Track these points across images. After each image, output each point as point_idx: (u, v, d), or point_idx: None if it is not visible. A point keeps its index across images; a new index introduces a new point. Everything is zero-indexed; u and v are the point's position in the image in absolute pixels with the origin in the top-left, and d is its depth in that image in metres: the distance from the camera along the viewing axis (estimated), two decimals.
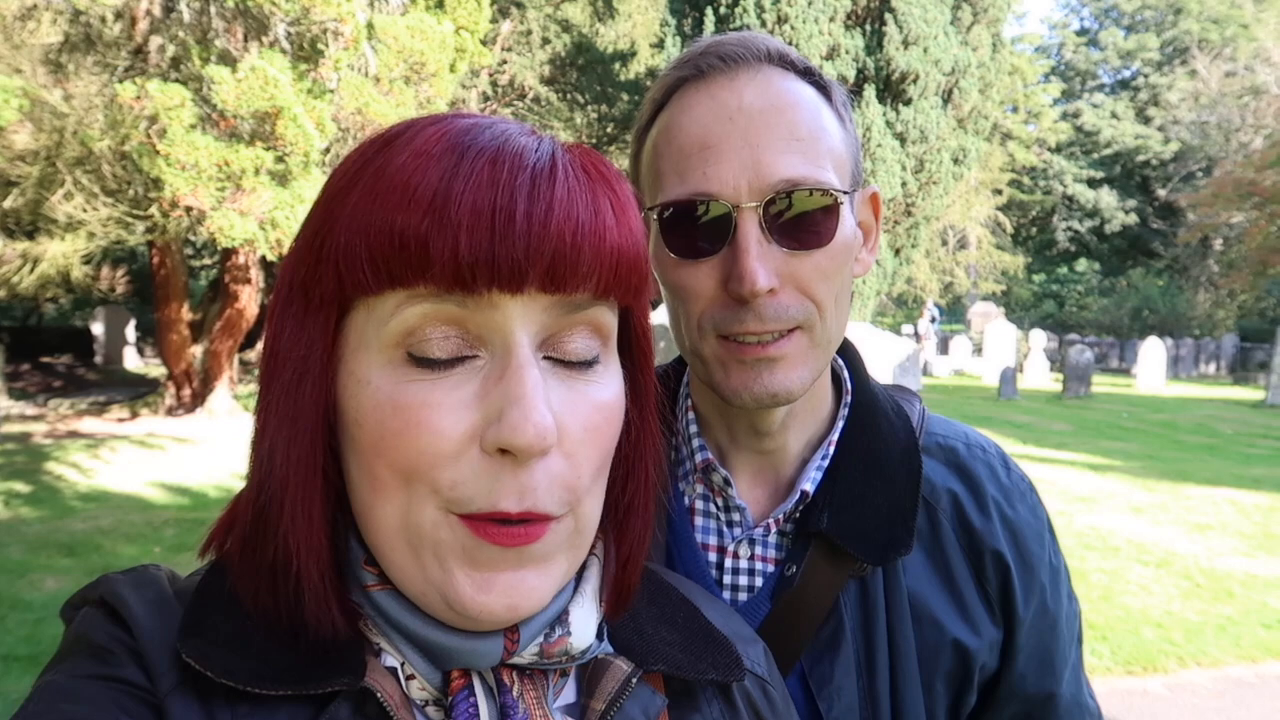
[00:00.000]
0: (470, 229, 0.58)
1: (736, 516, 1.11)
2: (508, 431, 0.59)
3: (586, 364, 0.66)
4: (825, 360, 1.05)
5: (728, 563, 1.10)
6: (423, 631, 0.66)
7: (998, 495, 1.13)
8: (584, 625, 0.71)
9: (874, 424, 1.13)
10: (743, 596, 1.09)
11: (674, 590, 0.88)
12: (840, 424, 1.13)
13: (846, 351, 1.19)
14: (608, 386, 0.67)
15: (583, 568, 0.73)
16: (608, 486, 0.72)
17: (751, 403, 1.01)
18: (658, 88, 1.07)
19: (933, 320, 29.12)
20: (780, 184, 0.96)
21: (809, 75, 1.04)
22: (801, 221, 0.97)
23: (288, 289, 0.67)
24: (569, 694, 0.74)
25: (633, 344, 0.74)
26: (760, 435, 1.11)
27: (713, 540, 1.12)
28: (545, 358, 0.64)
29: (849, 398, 1.15)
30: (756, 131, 0.97)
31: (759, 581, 1.09)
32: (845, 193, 1.01)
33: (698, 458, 1.13)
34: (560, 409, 0.62)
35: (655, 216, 1.01)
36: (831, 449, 1.11)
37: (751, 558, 1.10)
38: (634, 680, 0.73)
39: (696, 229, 0.98)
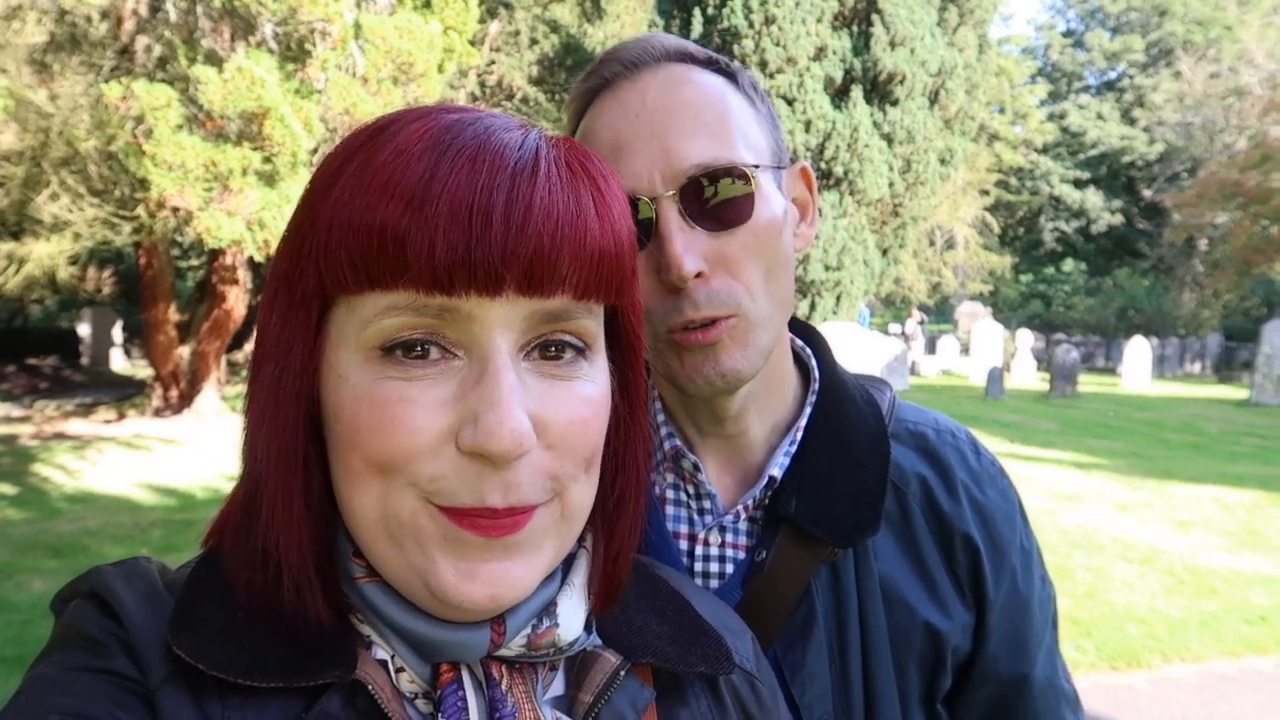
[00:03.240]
0: (447, 231, 0.58)
1: (707, 504, 1.12)
2: (483, 436, 0.59)
3: (571, 361, 0.66)
4: (769, 337, 1.05)
5: (698, 550, 1.11)
6: (409, 624, 0.66)
7: (967, 479, 1.15)
8: (572, 617, 0.71)
9: (842, 410, 1.14)
10: (714, 584, 1.09)
11: (664, 582, 0.88)
12: (808, 410, 1.14)
13: (812, 338, 1.21)
14: (594, 383, 0.67)
15: (571, 559, 0.74)
16: (599, 483, 0.72)
17: (705, 387, 1.02)
18: (571, 101, 1.10)
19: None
20: (692, 169, 0.97)
21: (712, 64, 1.06)
22: (720, 202, 0.99)
23: (274, 282, 0.67)
24: (557, 687, 0.74)
25: (622, 341, 0.73)
26: (721, 420, 1.11)
27: (683, 528, 1.12)
28: (527, 356, 0.64)
29: (816, 384, 1.16)
30: (662, 123, 0.99)
31: (730, 569, 1.10)
32: (757, 167, 1.02)
33: (666, 445, 1.13)
34: (541, 406, 0.62)
35: None
36: (799, 435, 1.12)
37: (722, 545, 1.11)
38: (622, 673, 0.73)
39: None
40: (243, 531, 0.67)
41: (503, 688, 0.67)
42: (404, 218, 0.58)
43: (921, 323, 30.14)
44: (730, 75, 1.07)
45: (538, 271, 0.60)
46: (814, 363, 1.19)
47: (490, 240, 0.58)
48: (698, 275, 0.97)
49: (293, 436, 0.65)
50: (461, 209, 0.58)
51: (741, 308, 1.00)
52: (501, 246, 0.59)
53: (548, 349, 0.65)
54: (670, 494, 1.14)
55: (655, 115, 0.99)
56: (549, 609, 0.70)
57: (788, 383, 1.16)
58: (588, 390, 0.66)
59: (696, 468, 1.11)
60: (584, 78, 1.07)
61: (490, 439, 0.59)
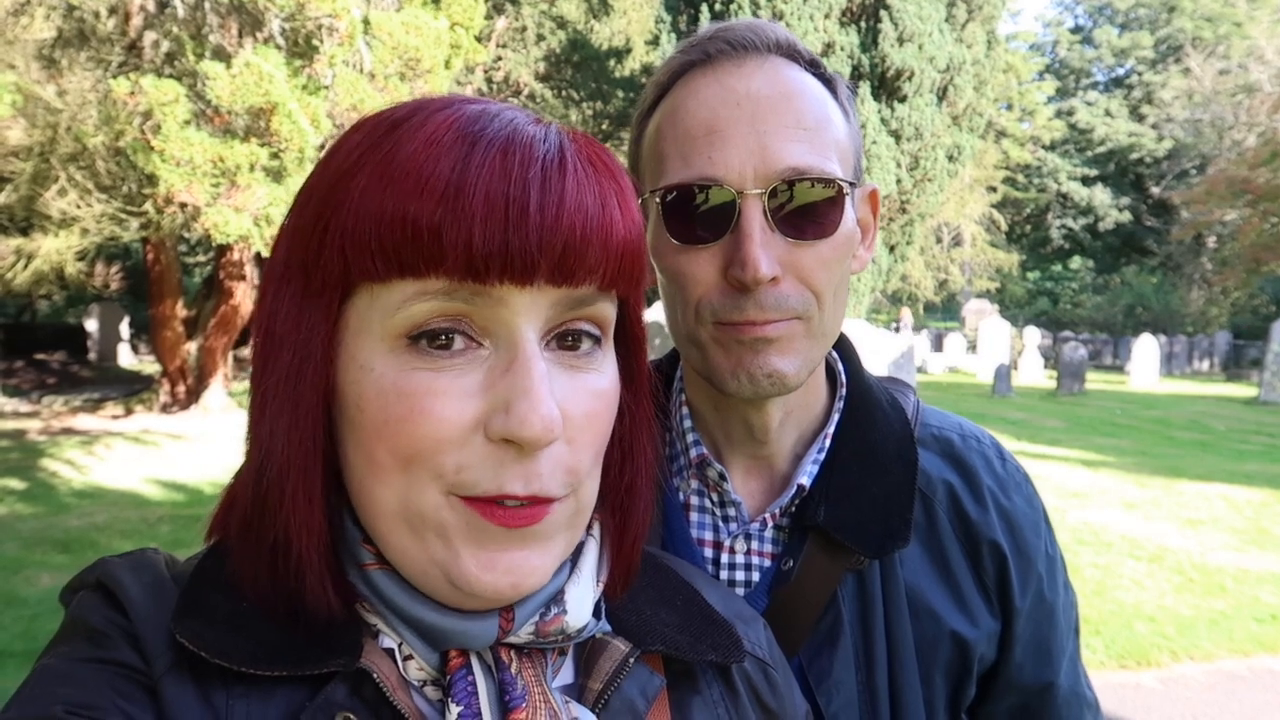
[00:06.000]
0: (484, 220, 0.58)
1: (732, 511, 1.10)
2: (515, 424, 0.59)
3: (586, 352, 0.66)
4: (820, 353, 1.04)
5: (724, 558, 1.10)
6: (418, 612, 0.66)
7: (993, 486, 1.13)
8: (580, 604, 0.71)
9: (869, 417, 1.13)
10: (740, 592, 1.07)
11: (674, 573, 0.88)
12: (836, 417, 1.12)
13: (841, 344, 1.18)
14: (605, 374, 0.68)
15: (579, 548, 0.74)
16: (608, 471, 0.73)
17: (748, 384, 1.00)
18: (663, 71, 1.06)
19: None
20: (786, 172, 0.95)
21: (814, 67, 1.04)
22: (806, 211, 0.97)
23: (283, 269, 0.66)
24: (567, 674, 0.74)
25: (627, 331, 0.74)
26: (756, 440, 1.10)
27: (708, 535, 1.11)
28: (546, 345, 0.64)
29: (843, 390, 1.15)
30: (764, 118, 0.96)
31: (756, 576, 1.09)
32: (850, 184, 1.00)
33: (692, 453, 1.12)
34: (562, 398, 0.63)
35: (657, 200, 1.00)
36: (827, 443, 1.11)
37: (748, 553, 1.10)
38: (631, 660, 0.73)
39: (699, 214, 0.97)
40: (253, 522, 0.66)
41: (512, 671, 0.67)
42: (439, 208, 0.59)
43: (907, 323, 30.58)
44: (830, 83, 1.05)
45: (568, 262, 0.61)
46: (840, 367, 1.17)
47: (527, 231, 0.59)
48: (770, 280, 0.95)
49: (313, 429, 0.65)
50: (498, 200, 0.59)
51: (808, 313, 0.99)
52: (537, 237, 0.60)
53: (565, 339, 0.65)
54: (695, 500, 1.13)
55: (758, 107, 0.96)
56: (557, 597, 0.70)
57: (819, 392, 1.15)
58: (600, 384, 0.67)
59: (722, 476, 1.09)
60: (683, 49, 1.04)
61: (523, 426, 0.59)
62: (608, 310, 0.67)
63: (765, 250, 0.94)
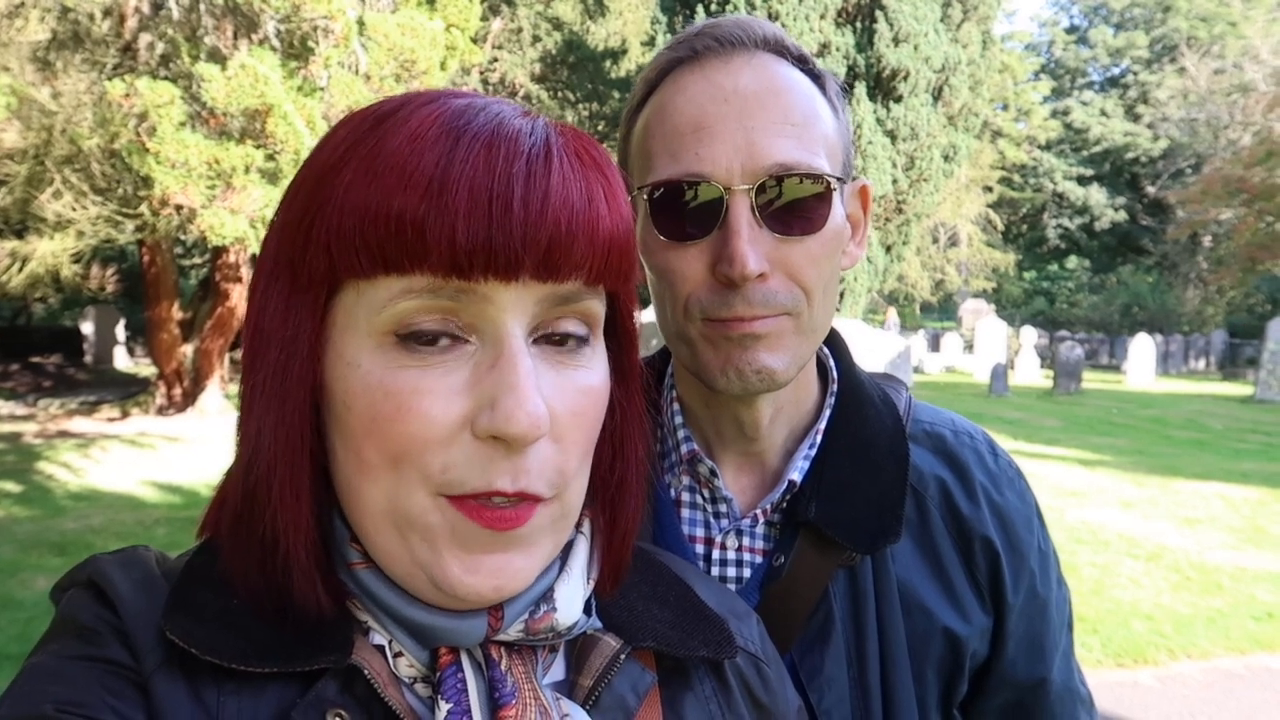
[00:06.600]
0: (467, 215, 0.58)
1: (723, 508, 1.10)
2: (501, 420, 0.59)
3: (574, 349, 0.66)
4: (810, 349, 1.04)
5: (715, 554, 1.09)
6: (406, 610, 0.66)
7: (985, 481, 1.12)
8: (570, 602, 0.70)
9: (861, 413, 1.12)
10: (731, 588, 1.07)
11: (666, 569, 0.88)
12: (827, 413, 1.12)
13: (832, 340, 1.18)
14: (594, 371, 0.67)
15: (569, 546, 0.73)
16: (599, 466, 0.73)
17: (736, 380, 0.99)
18: (651, 68, 1.06)
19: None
20: (774, 167, 0.95)
21: (803, 63, 1.04)
22: (793, 207, 0.96)
23: (272, 264, 0.66)
24: (558, 671, 0.74)
25: (618, 327, 0.74)
26: (747, 436, 1.10)
27: (699, 532, 1.11)
28: (534, 342, 0.64)
29: (835, 386, 1.15)
30: (751, 114, 0.96)
31: (747, 573, 1.08)
32: (838, 179, 1.00)
33: (683, 449, 1.12)
34: (550, 394, 0.62)
35: (645, 197, 0.99)
36: (819, 438, 1.10)
37: (739, 549, 1.09)
38: (622, 657, 0.73)
39: (687, 211, 0.97)
40: (243, 519, 0.66)
41: (502, 668, 0.67)
42: (422, 204, 0.58)
43: (894, 323, 30.88)
44: (818, 78, 1.04)
45: (554, 257, 0.61)
46: (832, 363, 1.17)
47: (510, 226, 0.59)
48: (758, 276, 0.95)
49: (299, 425, 0.64)
50: (481, 195, 0.58)
51: (797, 309, 0.99)
52: (521, 232, 0.59)
53: (553, 335, 0.65)
54: (686, 497, 1.13)
55: (745, 103, 0.96)
56: (546, 595, 0.69)
57: (810, 388, 1.14)
58: (589, 380, 0.66)
59: (713, 473, 1.09)
60: (671, 46, 1.04)
61: (509, 422, 0.59)
62: (596, 306, 0.67)
63: (753, 246, 0.94)
